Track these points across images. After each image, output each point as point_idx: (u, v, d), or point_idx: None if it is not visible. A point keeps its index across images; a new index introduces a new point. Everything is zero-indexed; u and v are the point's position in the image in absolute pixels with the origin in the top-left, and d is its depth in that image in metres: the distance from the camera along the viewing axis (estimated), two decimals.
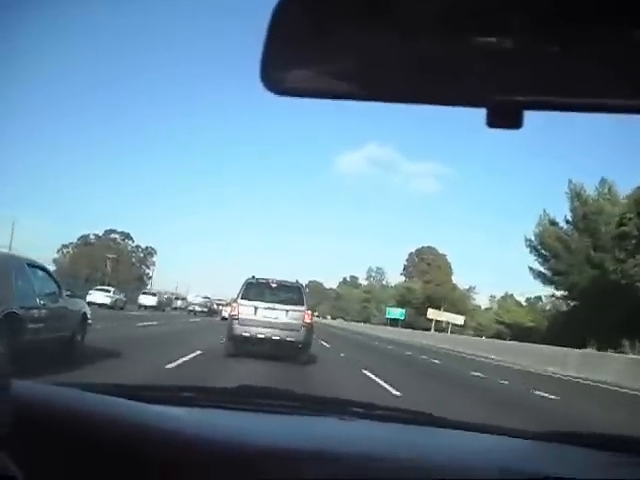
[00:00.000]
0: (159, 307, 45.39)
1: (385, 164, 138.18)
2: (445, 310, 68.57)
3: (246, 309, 11.92)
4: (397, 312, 77.26)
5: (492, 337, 44.35)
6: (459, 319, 65.29)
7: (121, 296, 39.75)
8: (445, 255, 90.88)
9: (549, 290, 43.95)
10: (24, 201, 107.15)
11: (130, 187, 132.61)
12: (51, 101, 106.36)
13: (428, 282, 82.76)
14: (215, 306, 48.98)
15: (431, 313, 66.33)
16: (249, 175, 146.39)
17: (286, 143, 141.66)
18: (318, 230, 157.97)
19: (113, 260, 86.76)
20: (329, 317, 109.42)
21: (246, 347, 11.86)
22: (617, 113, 0.62)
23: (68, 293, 9.07)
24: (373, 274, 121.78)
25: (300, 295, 12.42)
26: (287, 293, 12.37)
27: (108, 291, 38.26)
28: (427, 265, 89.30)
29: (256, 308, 11.88)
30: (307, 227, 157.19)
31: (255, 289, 12.29)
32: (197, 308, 47.86)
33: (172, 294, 64.59)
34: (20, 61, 57.76)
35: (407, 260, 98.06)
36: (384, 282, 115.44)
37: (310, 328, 12.22)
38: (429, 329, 58.42)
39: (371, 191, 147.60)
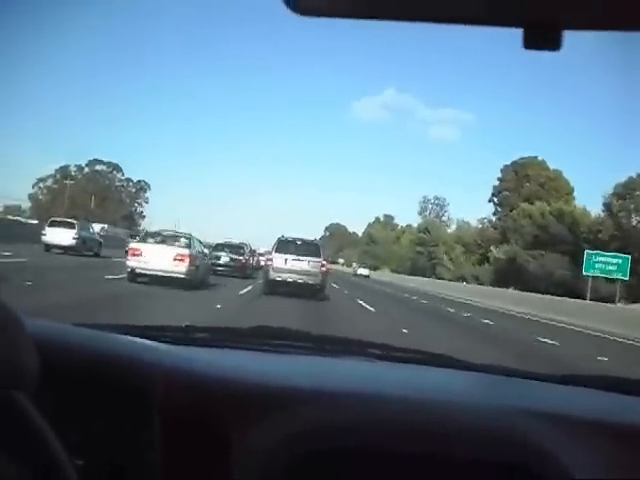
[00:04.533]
0: (80, 248, 24.65)
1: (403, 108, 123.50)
2: None
3: (279, 260, 16.54)
4: (612, 264, 35.16)
5: None
6: None
7: None
8: (561, 172, 57.27)
9: None
10: None
11: (121, 111, 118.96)
12: (39, 20, 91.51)
13: (624, 198, 41.93)
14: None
15: None
16: (261, 112, 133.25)
17: (303, 86, 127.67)
18: (337, 171, 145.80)
19: (100, 195, 75.80)
20: (355, 265, 77.87)
21: (277, 288, 16.36)
22: None
23: None
24: (430, 205, 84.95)
25: (318, 250, 17.34)
26: (308, 248, 17.18)
27: None
28: (539, 187, 55.88)
29: (286, 259, 16.52)
30: (323, 169, 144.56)
31: (285, 245, 17.07)
32: None
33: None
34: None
35: (501, 179, 61.90)
36: (444, 218, 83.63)
37: (326, 274, 17.32)
38: None
39: (392, 132, 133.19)
